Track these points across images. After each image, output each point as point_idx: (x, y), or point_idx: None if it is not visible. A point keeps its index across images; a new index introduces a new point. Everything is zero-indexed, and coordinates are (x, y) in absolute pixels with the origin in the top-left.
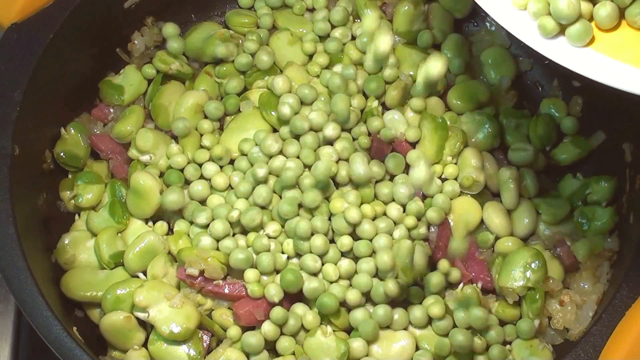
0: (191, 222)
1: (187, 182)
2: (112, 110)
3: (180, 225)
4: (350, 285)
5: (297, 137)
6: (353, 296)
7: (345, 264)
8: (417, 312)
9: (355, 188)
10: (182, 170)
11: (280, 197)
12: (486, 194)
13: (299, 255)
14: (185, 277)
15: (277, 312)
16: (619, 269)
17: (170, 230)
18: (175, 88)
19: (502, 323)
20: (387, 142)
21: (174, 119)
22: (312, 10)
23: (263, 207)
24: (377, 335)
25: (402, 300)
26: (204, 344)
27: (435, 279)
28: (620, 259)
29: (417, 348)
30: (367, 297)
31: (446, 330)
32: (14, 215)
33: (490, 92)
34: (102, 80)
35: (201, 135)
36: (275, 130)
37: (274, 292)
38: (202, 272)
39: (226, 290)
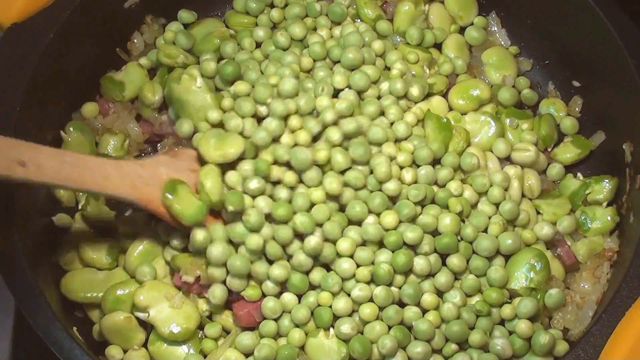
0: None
1: None
2: (111, 105)
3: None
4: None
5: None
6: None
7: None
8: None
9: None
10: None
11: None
12: None
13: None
14: (181, 284)
15: (269, 325)
16: (619, 269)
17: None
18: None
19: (503, 322)
20: None
21: (178, 119)
22: None
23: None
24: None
25: None
26: None
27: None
28: (620, 259)
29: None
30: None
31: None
32: (14, 215)
33: (491, 91)
34: (103, 76)
35: None
36: None
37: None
38: (197, 279)
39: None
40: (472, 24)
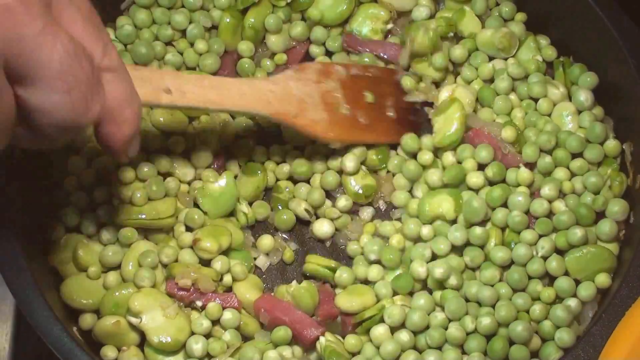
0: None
1: None
2: None
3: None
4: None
5: None
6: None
7: None
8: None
9: None
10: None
11: None
12: None
13: None
14: (176, 291)
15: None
16: (619, 268)
17: None
18: None
19: None
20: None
21: None
22: None
23: None
24: None
25: None
26: None
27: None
28: (620, 259)
29: None
30: None
31: None
32: (14, 216)
33: None
34: None
35: None
36: None
37: None
38: (193, 284)
39: (218, 302)
40: None
